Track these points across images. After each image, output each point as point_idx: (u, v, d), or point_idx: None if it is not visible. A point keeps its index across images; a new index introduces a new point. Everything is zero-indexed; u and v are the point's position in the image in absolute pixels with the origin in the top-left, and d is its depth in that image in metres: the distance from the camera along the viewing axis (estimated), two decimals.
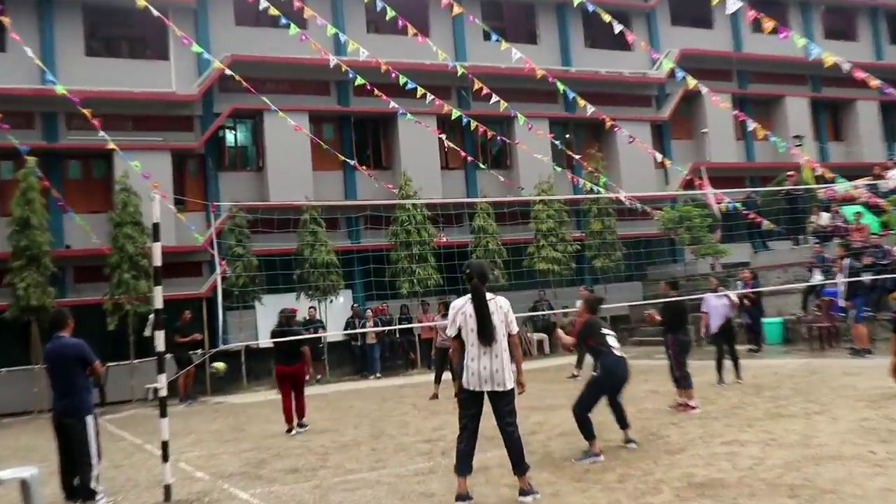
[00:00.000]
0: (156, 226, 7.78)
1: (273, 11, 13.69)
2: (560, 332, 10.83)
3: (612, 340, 7.86)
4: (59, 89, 14.88)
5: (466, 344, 6.01)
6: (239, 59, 20.59)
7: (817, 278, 16.70)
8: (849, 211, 18.91)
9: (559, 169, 19.35)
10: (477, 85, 15.85)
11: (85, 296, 18.96)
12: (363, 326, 19.46)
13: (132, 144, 18.65)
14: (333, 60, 15.33)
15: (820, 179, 18.40)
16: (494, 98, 15.76)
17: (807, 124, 28.69)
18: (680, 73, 14.63)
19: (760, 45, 28.47)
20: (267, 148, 21.55)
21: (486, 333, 5.90)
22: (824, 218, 19.40)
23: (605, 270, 22.51)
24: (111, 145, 15.07)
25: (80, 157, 20.50)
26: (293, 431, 10.74)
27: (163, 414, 7.50)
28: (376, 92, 15.60)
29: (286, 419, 10.88)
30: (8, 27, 16.80)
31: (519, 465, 6.04)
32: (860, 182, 18.77)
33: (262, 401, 15.91)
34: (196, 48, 14.83)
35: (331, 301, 19.89)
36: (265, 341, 12.96)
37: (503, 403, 5.97)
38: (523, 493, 6.02)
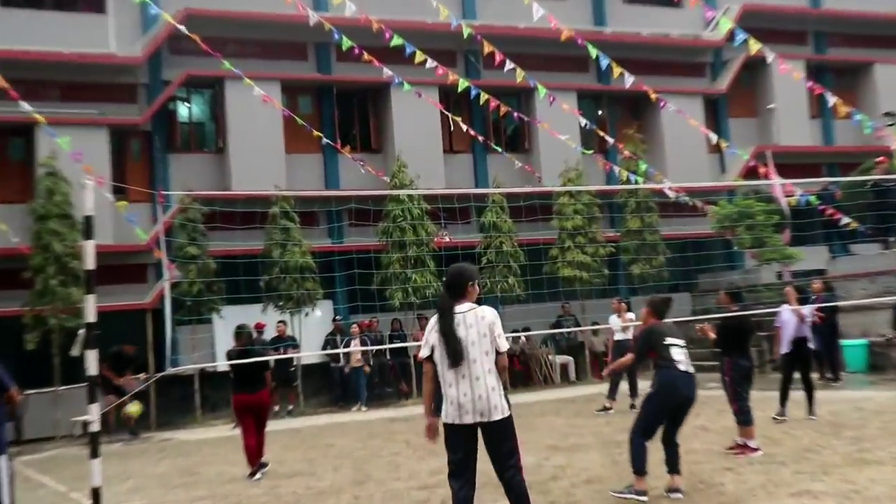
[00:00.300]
0: (88, 220, 7.77)
1: None
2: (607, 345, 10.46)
3: (677, 353, 7.94)
4: None
5: (441, 368, 6.03)
6: (194, 14, 20.63)
7: None
8: None
9: (589, 153, 19.33)
10: (488, 49, 15.85)
11: None
12: (346, 345, 19.47)
13: (60, 118, 18.64)
14: (313, 17, 15.34)
15: None
16: (510, 65, 15.75)
17: None
18: (741, 36, 14.62)
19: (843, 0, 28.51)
20: (229, 125, 21.57)
21: (450, 352, 5.93)
22: None
23: (645, 279, 22.49)
24: (35, 118, 15.06)
25: None
26: (258, 475, 10.72)
27: (94, 454, 7.48)
28: (365, 57, 15.60)
29: (249, 460, 10.85)
30: None
31: None
32: None
33: (219, 437, 15.89)
34: None
35: (306, 314, 19.90)
36: (224, 363, 12.96)
37: (496, 439, 5.90)
38: None
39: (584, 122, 18.68)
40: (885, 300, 17.60)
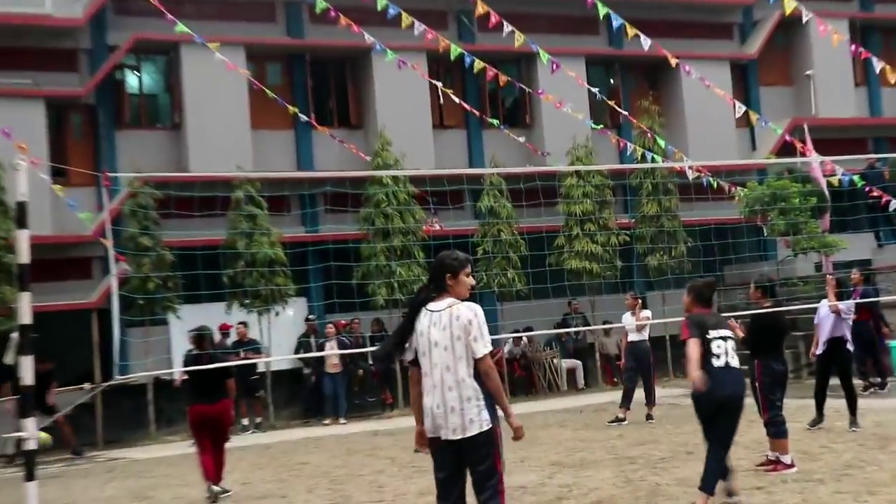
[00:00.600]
0: (21, 206, 7.73)
1: None
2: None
3: (718, 346, 8.03)
4: None
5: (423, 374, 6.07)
6: None
7: None
8: None
9: (599, 128, 19.33)
10: (483, 9, 15.80)
11: None
12: (321, 349, 19.47)
13: None
14: None
15: None
16: (508, 28, 15.71)
17: None
18: None
19: None
20: (185, 97, 21.50)
21: (393, 346, 6.11)
22: None
23: (664, 270, 22.53)
24: None
25: None
26: (217, 500, 10.72)
27: (29, 476, 7.46)
28: (343, 19, 15.54)
29: (206, 475, 10.86)
30: None
31: None
32: None
33: (176, 455, 15.88)
34: None
35: (276, 314, 19.89)
36: (181, 370, 12.95)
37: (472, 458, 5.86)
38: None
39: (593, 91, 18.66)
40: None
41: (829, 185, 20.33)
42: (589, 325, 21.53)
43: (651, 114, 22.76)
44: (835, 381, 12.46)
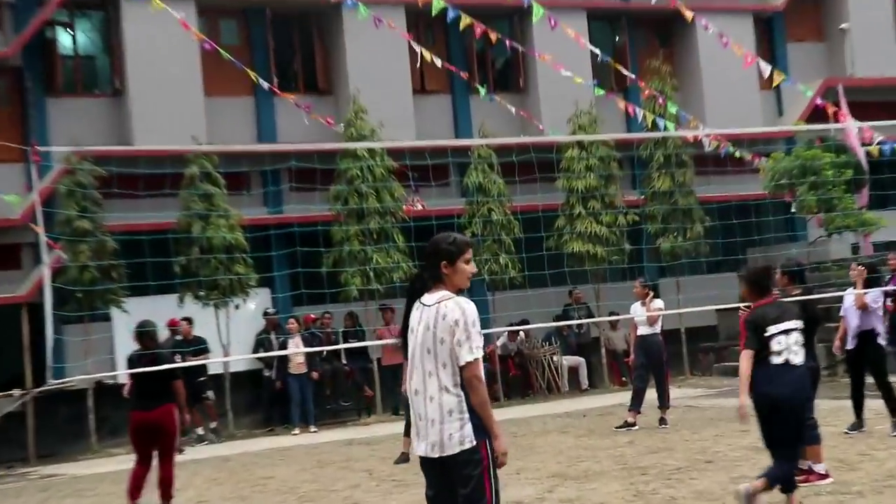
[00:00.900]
0: None
1: None
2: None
3: (779, 343, 8.11)
4: None
5: None
6: None
7: None
8: None
9: (602, 93, 19.32)
10: None
11: None
12: (283, 346, 19.45)
13: None
14: None
15: None
16: None
17: None
18: None
19: None
20: (128, 59, 21.37)
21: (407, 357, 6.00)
22: None
23: (677, 254, 22.58)
24: None
25: None
26: None
27: None
28: None
29: (130, 494, 10.92)
30: None
31: None
32: None
33: (122, 470, 15.70)
34: None
35: (236, 306, 19.86)
36: (126, 373, 12.86)
37: (454, 479, 5.78)
38: None
39: (596, 51, 18.65)
40: None
41: (868, 154, 20.36)
42: (593, 317, 21.54)
43: (663, 75, 22.73)
44: (871, 380, 12.53)
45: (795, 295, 10.70)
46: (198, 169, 19.66)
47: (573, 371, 22.36)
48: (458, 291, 5.89)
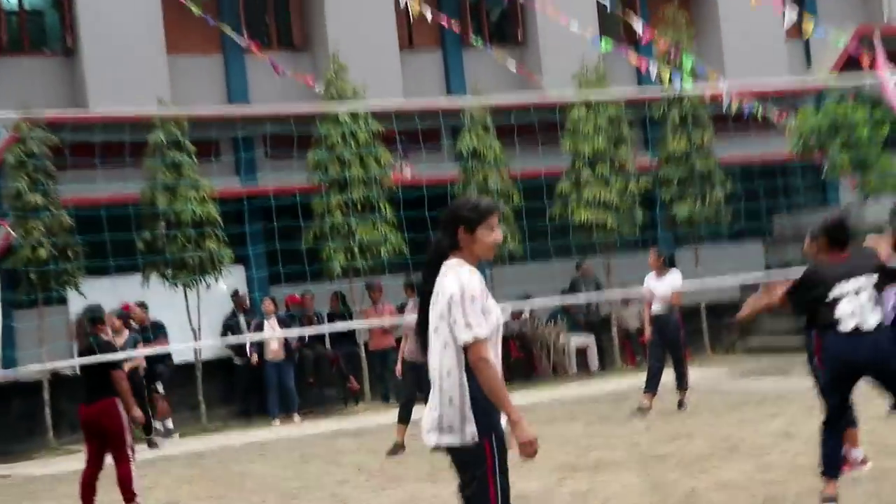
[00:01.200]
0: None
1: None
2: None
3: (844, 306, 8.05)
4: None
5: None
6: None
7: None
8: None
9: (610, 47, 19.30)
10: None
11: None
12: (258, 328, 19.46)
13: None
14: None
15: None
16: None
17: None
18: None
19: None
20: (79, 13, 21.32)
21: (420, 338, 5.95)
22: None
23: (695, 222, 22.60)
24: None
25: None
26: None
27: None
28: None
29: (81, 498, 11.02)
30: None
31: None
32: None
33: (80, 470, 15.83)
34: None
35: (207, 286, 19.87)
36: (80, 361, 12.87)
37: (460, 470, 5.80)
38: None
39: (603, 2, 18.62)
40: None
41: None
42: (601, 289, 21.57)
43: (678, 25, 22.70)
44: None
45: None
46: (163, 136, 19.60)
47: (581, 352, 22.41)
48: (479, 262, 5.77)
